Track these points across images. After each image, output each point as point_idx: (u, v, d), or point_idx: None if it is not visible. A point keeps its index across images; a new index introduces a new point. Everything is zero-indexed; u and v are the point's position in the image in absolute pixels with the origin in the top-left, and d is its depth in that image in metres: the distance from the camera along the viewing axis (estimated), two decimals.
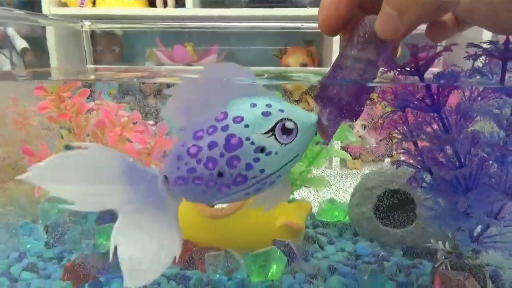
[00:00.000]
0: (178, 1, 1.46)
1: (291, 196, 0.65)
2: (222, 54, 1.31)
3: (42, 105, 0.56)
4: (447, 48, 0.32)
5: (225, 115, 0.28)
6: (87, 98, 0.58)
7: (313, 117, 0.30)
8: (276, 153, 0.28)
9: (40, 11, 1.37)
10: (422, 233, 0.54)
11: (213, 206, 0.51)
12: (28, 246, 0.56)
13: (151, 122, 0.60)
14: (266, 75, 0.47)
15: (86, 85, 0.60)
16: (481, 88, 0.39)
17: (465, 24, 0.34)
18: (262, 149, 0.28)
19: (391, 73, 0.36)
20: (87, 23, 0.63)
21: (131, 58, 1.51)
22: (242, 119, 0.28)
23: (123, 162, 0.28)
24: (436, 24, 0.34)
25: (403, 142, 0.42)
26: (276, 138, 0.28)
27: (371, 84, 0.31)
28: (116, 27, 0.89)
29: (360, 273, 0.47)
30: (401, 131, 0.41)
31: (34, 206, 0.61)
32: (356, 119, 0.32)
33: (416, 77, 0.35)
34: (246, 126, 0.27)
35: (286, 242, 0.51)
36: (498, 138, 0.37)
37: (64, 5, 1.43)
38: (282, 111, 0.28)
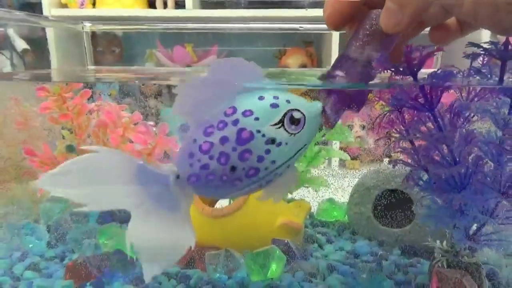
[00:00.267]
0: (178, 2, 1.46)
1: (290, 196, 0.66)
2: (221, 55, 1.32)
3: (44, 105, 0.57)
4: (439, 48, 0.33)
5: (234, 109, 0.28)
6: (88, 99, 0.59)
7: (318, 106, 0.31)
8: (286, 143, 0.29)
9: (41, 12, 1.38)
10: (420, 232, 0.54)
11: (213, 205, 0.52)
12: (30, 245, 0.56)
13: (151, 123, 0.61)
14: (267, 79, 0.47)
15: (87, 86, 0.60)
16: (478, 88, 0.39)
17: (467, 28, 0.35)
18: (272, 141, 0.28)
19: (387, 73, 0.36)
20: (87, 24, 0.64)
21: (131, 59, 1.51)
22: (252, 112, 0.28)
23: (133, 164, 0.28)
24: (440, 28, 0.35)
25: (401, 141, 0.42)
26: (285, 129, 0.28)
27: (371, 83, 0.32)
28: (117, 28, 0.89)
29: (359, 271, 0.47)
30: (398, 130, 0.42)
31: (36, 206, 0.61)
32: (359, 110, 0.32)
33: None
34: (256, 119, 0.28)
35: (286, 241, 0.51)
36: (496, 137, 0.37)
37: (65, 6, 1.43)
38: (288, 102, 0.29)
